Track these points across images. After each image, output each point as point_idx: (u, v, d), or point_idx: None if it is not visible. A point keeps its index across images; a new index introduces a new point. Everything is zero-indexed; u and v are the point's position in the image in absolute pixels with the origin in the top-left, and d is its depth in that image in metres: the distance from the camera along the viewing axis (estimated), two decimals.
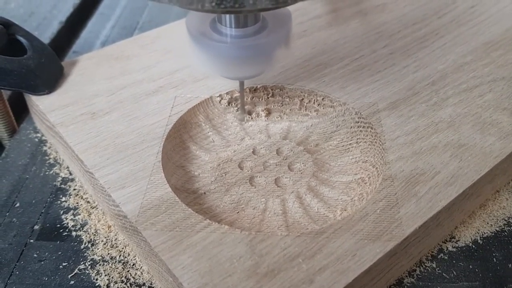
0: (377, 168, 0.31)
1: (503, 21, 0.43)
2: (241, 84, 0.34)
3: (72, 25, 0.55)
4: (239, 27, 0.30)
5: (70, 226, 0.32)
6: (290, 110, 0.37)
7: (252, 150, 0.34)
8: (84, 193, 0.34)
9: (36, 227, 0.32)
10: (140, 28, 0.54)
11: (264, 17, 0.31)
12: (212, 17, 0.31)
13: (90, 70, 0.39)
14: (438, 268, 0.30)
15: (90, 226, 0.32)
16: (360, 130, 0.34)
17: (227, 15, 0.30)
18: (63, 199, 0.34)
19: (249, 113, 0.37)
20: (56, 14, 0.55)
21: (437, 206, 0.28)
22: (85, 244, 0.31)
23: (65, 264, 0.30)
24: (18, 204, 0.34)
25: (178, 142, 0.34)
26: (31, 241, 0.31)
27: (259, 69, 0.32)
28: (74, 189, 0.35)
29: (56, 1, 0.58)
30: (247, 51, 0.30)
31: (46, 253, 0.30)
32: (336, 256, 0.26)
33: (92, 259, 0.30)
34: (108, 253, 0.30)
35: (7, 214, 0.33)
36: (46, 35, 0.51)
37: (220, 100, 0.36)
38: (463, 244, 0.31)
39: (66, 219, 0.32)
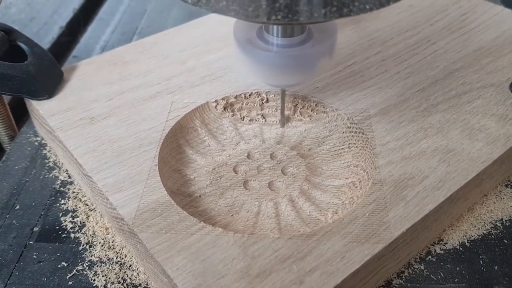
0: (367, 172, 0.32)
1: (493, 28, 0.44)
2: (283, 92, 0.35)
3: (72, 30, 0.56)
4: (286, 37, 0.30)
5: (68, 228, 0.33)
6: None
7: (246, 154, 0.35)
8: (82, 196, 0.35)
9: (36, 229, 0.33)
10: (139, 33, 0.55)
11: (309, 28, 0.32)
12: (259, 25, 0.32)
13: (90, 75, 0.40)
14: (426, 270, 0.30)
15: (88, 228, 0.33)
16: (352, 135, 0.35)
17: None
18: (62, 201, 0.35)
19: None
20: (56, 19, 0.56)
21: (425, 209, 0.29)
22: (83, 245, 0.32)
23: (63, 265, 0.31)
24: (18, 207, 0.34)
25: (175, 146, 0.35)
26: (31, 242, 0.32)
27: (303, 78, 0.33)
28: (73, 192, 0.35)
29: (56, 6, 0.59)
30: (292, 60, 0.31)
31: (45, 254, 0.31)
32: (326, 258, 0.26)
33: (90, 260, 0.31)
34: (106, 255, 0.31)
35: (7, 216, 0.34)
36: (46, 40, 0.52)
37: (216, 106, 0.37)
38: (451, 247, 0.32)
39: (65, 221, 0.33)
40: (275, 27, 0.30)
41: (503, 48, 0.42)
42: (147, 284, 0.30)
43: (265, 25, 0.31)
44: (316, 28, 0.32)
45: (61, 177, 0.37)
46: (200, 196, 0.32)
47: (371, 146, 0.33)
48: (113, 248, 0.31)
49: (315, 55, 0.31)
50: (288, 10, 0.23)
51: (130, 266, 0.31)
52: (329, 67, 0.39)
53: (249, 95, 0.38)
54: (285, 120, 0.37)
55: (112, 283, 0.29)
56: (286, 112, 0.38)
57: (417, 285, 0.30)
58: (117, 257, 0.31)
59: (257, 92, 0.37)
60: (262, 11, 0.23)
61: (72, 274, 0.30)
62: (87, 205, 0.34)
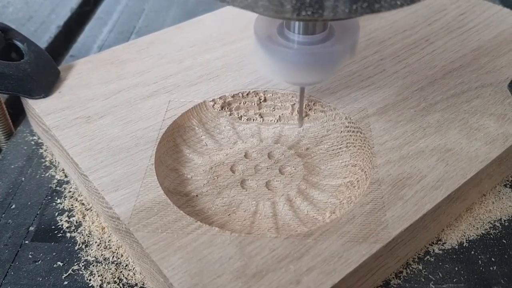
0: (365, 172, 0.32)
1: (491, 28, 0.44)
2: (302, 90, 0.34)
3: (69, 29, 0.56)
4: (307, 34, 0.30)
5: (64, 227, 0.33)
6: (282, 114, 0.37)
7: (244, 153, 0.35)
8: (78, 195, 0.35)
9: (32, 228, 0.33)
10: (137, 33, 0.54)
11: (331, 25, 0.31)
12: (280, 22, 0.31)
13: (86, 74, 0.39)
14: (424, 270, 0.30)
15: (84, 227, 0.33)
16: (350, 135, 0.35)
17: (297, 21, 0.30)
18: (58, 201, 0.35)
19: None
20: (54, 18, 0.56)
21: (423, 209, 0.29)
22: (79, 245, 0.32)
23: (59, 264, 0.30)
24: (14, 206, 0.34)
25: (172, 145, 0.35)
26: (26, 242, 0.32)
27: (323, 76, 0.32)
28: (69, 191, 0.35)
29: (54, 6, 0.59)
30: (313, 58, 0.30)
31: (41, 254, 0.31)
32: (323, 258, 0.26)
33: (86, 260, 0.31)
34: (102, 254, 0.31)
35: (3, 215, 0.33)
36: (44, 39, 0.52)
37: (213, 105, 0.37)
38: (449, 247, 0.31)
39: (61, 220, 0.33)
40: (296, 24, 0.30)
41: (502, 48, 0.42)
42: (143, 284, 0.29)
43: (286, 22, 0.31)
44: (337, 26, 0.31)
45: (57, 176, 0.36)
46: (197, 195, 0.32)
47: (369, 146, 0.33)
48: (109, 248, 0.31)
49: (336, 53, 0.30)
50: (318, 6, 0.22)
51: (126, 265, 0.30)
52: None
53: (247, 94, 0.37)
54: (303, 120, 0.36)
55: (108, 283, 0.29)
56: (284, 111, 0.37)
57: (416, 285, 0.29)
58: (113, 257, 0.31)
59: (254, 91, 0.37)
60: (292, 6, 0.22)
61: (67, 274, 0.30)
62: (83, 204, 0.34)
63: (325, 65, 0.31)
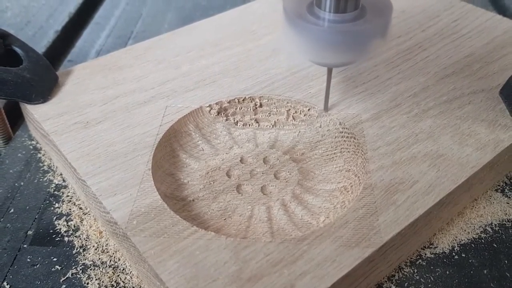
0: (359, 177, 0.32)
1: (484, 34, 0.45)
2: (329, 72, 0.34)
3: (67, 34, 0.56)
4: (338, 12, 0.30)
5: (62, 231, 0.33)
6: (277, 120, 0.38)
7: (240, 158, 0.36)
8: (76, 199, 0.35)
9: (30, 232, 0.33)
10: (134, 38, 0.55)
11: (363, 6, 0.31)
12: (310, 0, 0.31)
13: (84, 80, 0.40)
14: (416, 274, 0.31)
15: (82, 231, 0.33)
16: (344, 140, 0.35)
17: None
18: (56, 205, 0.35)
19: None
20: (52, 23, 0.57)
21: (415, 214, 0.29)
22: (77, 249, 0.32)
23: (57, 268, 0.31)
24: (12, 210, 0.35)
25: (169, 150, 0.35)
26: (25, 246, 0.32)
27: (352, 57, 0.32)
28: (67, 196, 0.36)
29: (52, 10, 0.59)
30: (343, 37, 0.30)
31: (39, 258, 0.31)
32: (317, 262, 0.27)
33: (83, 264, 0.31)
34: (99, 258, 0.31)
35: (2, 220, 0.34)
36: (42, 44, 0.53)
37: (210, 110, 0.37)
38: (441, 251, 0.32)
39: (59, 224, 0.34)
40: (327, 1, 0.30)
41: (494, 54, 0.42)
42: None
43: (317, 0, 0.30)
44: (369, 6, 0.31)
45: (56, 181, 0.37)
46: (193, 200, 0.33)
47: (362, 151, 0.33)
48: (107, 252, 0.32)
49: (367, 33, 0.30)
50: None
51: (123, 269, 0.31)
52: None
53: (243, 100, 0.38)
54: (328, 104, 0.36)
55: (106, 286, 0.30)
56: (279, 117, 0.38)
57: None
58: (110, 261, 0.31)
59: (250, 97, 0.38)
60: None
61: (65, 277, 0.30)
62: (81, 208, 0.35)
63: (355, 45, 0.31)
